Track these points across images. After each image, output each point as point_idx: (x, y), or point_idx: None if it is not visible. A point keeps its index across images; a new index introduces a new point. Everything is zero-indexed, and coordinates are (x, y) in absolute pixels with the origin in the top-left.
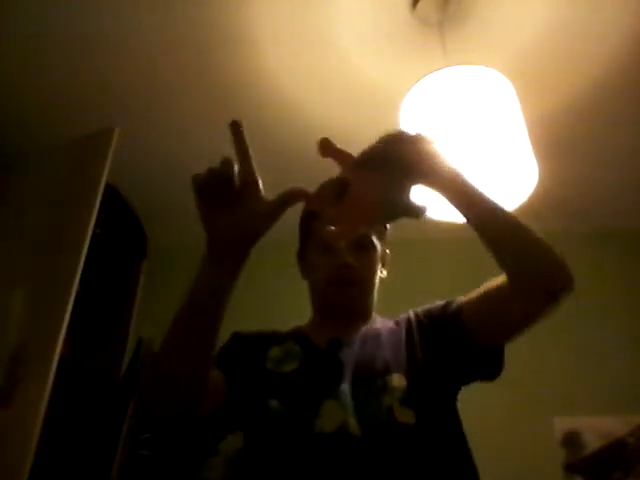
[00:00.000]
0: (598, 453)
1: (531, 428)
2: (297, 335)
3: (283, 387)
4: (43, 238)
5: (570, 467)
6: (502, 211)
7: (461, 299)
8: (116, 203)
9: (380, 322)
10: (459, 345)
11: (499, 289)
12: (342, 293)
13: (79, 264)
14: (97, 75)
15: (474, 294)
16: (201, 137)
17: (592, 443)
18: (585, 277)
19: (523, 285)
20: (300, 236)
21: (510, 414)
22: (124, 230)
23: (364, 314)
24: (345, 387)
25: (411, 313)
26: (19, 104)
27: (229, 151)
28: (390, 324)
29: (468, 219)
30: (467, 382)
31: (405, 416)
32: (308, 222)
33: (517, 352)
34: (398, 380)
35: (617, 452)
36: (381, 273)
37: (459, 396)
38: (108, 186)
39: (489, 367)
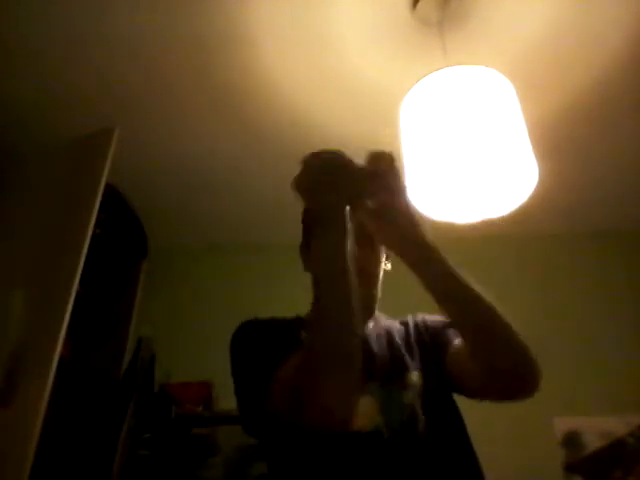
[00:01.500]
0: (598, 453)
1: (531, 428)
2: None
3: None
4: (43, 238)
5: (570, 467)
6: (481, 303)
7: (451, 339)
8: (116, 203)
9: (385, 320)
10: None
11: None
12: None
13: (79, 264)
14: (97, 75)
15: (460, 347)
16: (201, 137)
17: (592, 443)
18: (585, 277)
19: (495, 382)
20: (303, 227)
21: (510, 414)
22: (124, 230)
23: (368, 308)
24: (373, 383)
25: (418, 318)
26: (19, 104)
27: (229, 151)
28: (396, 324)
29: (442, 304)
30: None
31: (422, 413)
32: (308, 213)
33: None
34: (417, 377)
35: (617, 452)
36: (385, 266)
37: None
38: (108, 186)
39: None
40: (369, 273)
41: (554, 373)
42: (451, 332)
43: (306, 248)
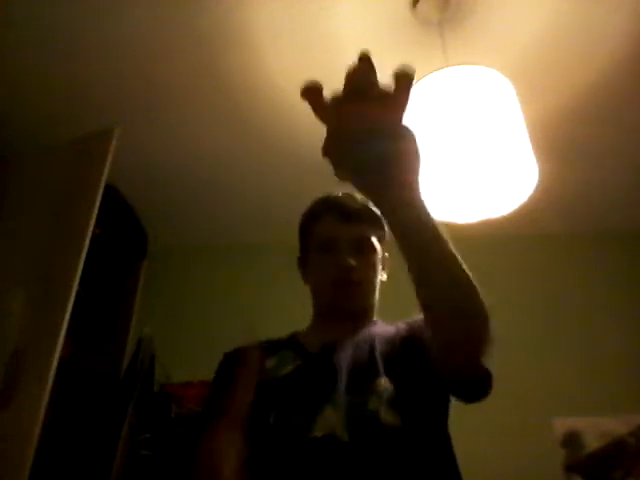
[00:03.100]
0: (598, 453)
1: (531, 429)
2: (290, 341)
3: (280, 393)
4: (43, 238)
5: (570, 467)
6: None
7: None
8: (116, 203)
9: (380, 326)
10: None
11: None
12: (344, 294)
13: (79, 264)
14: (97, 75)
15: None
16: (201, 137)
17: (592, 443)
18: (585, 277)
19: (442, 330)
20: (300, 241)
21: (510, 415)
22: (124, 230)
23: (365, 315)
24: (341, 391)
25: (409, 320)
26: (19, 104)
27: (229, 151)
28: (390, 328)
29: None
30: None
31: (391, 418)
32: (308, 225)
33: (517, 353)
34: (385, 383)
35: (617, 452)
36: (381, 276)
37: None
38: (108, 186)
39: (466, 393)
40: (365, 282)
41: (554, 373)
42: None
43: (304, 261)
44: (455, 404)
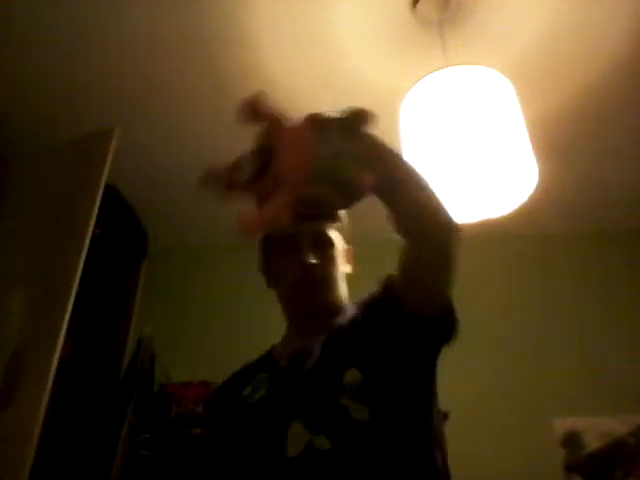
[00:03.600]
0: (598, 453)
1: (531, 429)
2: (265, 359)
3: (253, 419)
4: (43, 238)
5: (570, 467)
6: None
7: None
8: (116, 203)
9: (349, 311)
10: (400, 316)
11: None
12: (309, 292)
13: (79, 264)
14: (97, 75)
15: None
16: (201, 137)
17: (592, 443)
18: (585, 277)
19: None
20: (259, 245)
21: (510, 415)
22: (124, 230)
23: (332, 310)
24: (311, 400)
25: (364, 298)
26: (19, 104)
27: (229, 150)
28: (354, 311)
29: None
30: (425, 352)
31: (360, 412)
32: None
33: (517, 353)
34: (353, 375)
35: (617, 452)
36: (345, 268)
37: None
38: (108, 186)
39: (439, 330)
40: (328, 277)
41: (554, 373)
42: (375, 292)
43: (266, 266)
44: (455, 403)
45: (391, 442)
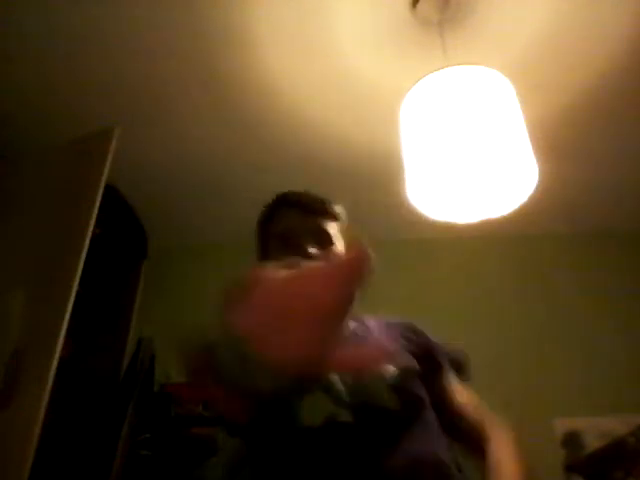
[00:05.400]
0: (598, 453)
1: (531, 429)
2: None
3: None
4: (43, 238)
5: (570, 467)
6: None
7: (444, 364)
8: (116, 203)
9: (369, 319)
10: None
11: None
12: None
13: (79, 264)
14: (97, 75)
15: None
16: (201, 137)
17: (592, 443)
18: (585, 277)
19: None
20: (259, 238)
21: (510, 415)
22: (124, 230)
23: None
24: (335, 377)
25: (409, 323)
26: (19, 104)
27: (229, 151)
28: (381, 322)
29: None
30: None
31: (391, 401)
32: (268, 220)
33: (517, 354)
34: (389, 367)
35: (617, 452)
36: None
37: None
38: (108, 186)
39: None
40: None
41: (554, 373)
42: (442, 357)
43: (264, 259)
44: None
45: (415, 420)
